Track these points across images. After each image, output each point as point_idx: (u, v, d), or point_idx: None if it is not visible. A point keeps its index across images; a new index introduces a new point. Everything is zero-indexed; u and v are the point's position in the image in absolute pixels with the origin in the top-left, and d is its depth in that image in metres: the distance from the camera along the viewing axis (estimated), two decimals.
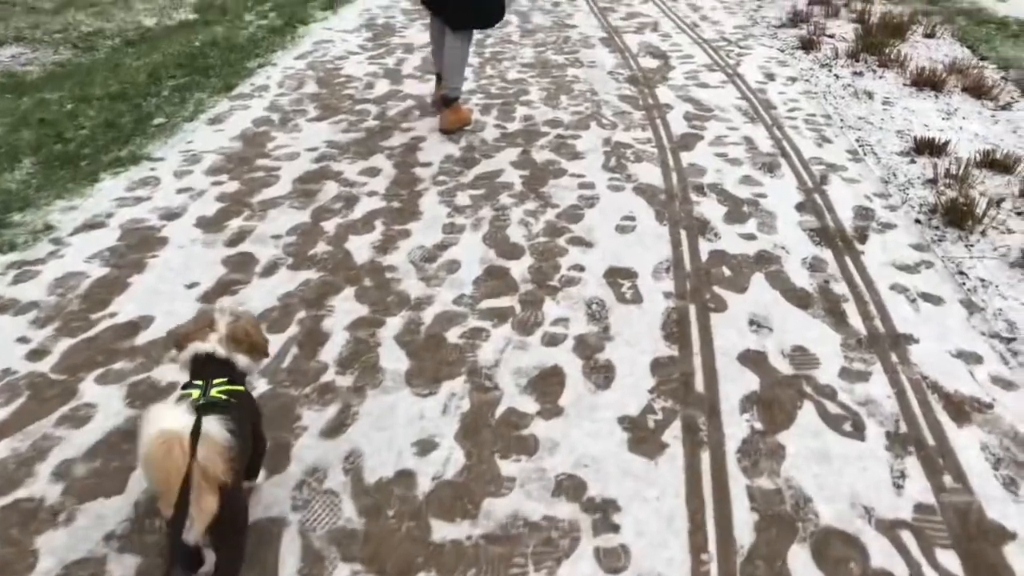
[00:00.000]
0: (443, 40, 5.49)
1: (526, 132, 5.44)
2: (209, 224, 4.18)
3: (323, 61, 6.87)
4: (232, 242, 4.02)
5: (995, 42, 7.70)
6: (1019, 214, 4.31)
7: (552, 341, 3.31)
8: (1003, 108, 5.87)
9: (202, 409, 2.03)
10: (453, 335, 3.34)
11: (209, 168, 4.81)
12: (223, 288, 3.64)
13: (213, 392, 2.19)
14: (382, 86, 6.30)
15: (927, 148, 5.02)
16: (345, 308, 3.52)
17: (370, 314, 3.48)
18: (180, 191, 4.53)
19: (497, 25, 6.94)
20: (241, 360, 2.33)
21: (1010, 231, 4.14)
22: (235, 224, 4.19)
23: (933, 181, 4.65)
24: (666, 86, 6.34)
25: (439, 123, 5.50)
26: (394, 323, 3.42)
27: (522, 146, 5.22)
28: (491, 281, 3.73)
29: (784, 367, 3.17)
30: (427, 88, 6.21)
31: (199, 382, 2.22)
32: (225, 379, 2.24)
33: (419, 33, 7.72)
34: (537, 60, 6.97)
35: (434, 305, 3.54)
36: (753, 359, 3.22)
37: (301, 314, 3.47)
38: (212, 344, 2.29)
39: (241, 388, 2.30)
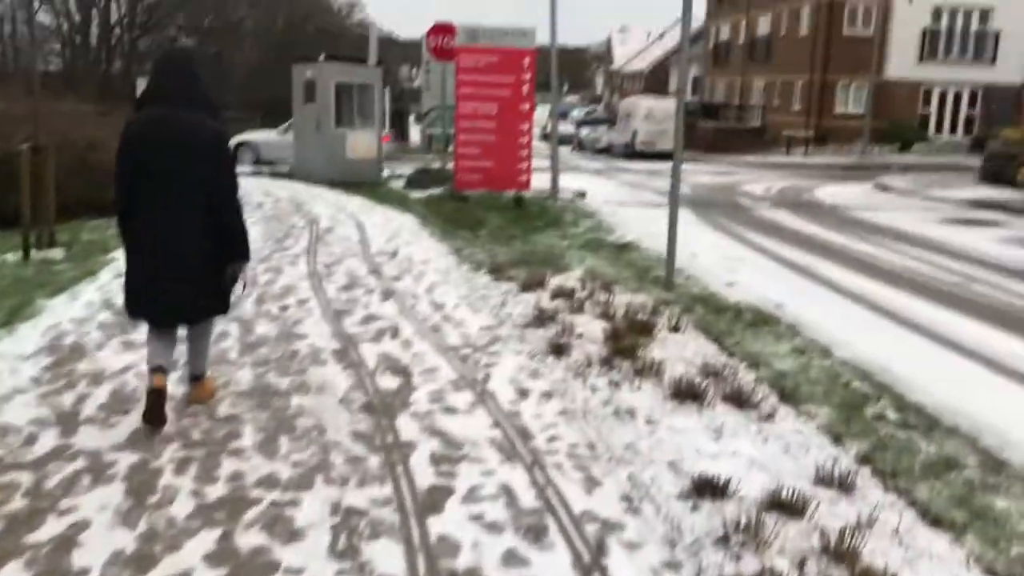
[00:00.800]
0: (171, 353, 5.27)
1: (231, 501, 4.25)
2: None
3: None
4: None
5: (736, 334, 7.64)
6: None
7: None
8: (767, 419, 5.48)
9: None
10: None
11: None
12: None
13: None
14: (48, 439, 4.91)
15: (708, 490, 4.36)
16: None
17: None
18: None
19: (214, 339, 6.01)
20: None
21: None
22: None
23: (725, 539, 3.93)
24: (408, 414, 5.45)
25: (188, 398, 5.50)
26: None
27: (223, 525, 4.01)
28: None
29: None
30: (107, 439, 4.92)
31: None
32: None
33: (116, 355, 6.46)
34: (256, 386, 5.89)
35: None
36: None
37: None
38: None
39: None
